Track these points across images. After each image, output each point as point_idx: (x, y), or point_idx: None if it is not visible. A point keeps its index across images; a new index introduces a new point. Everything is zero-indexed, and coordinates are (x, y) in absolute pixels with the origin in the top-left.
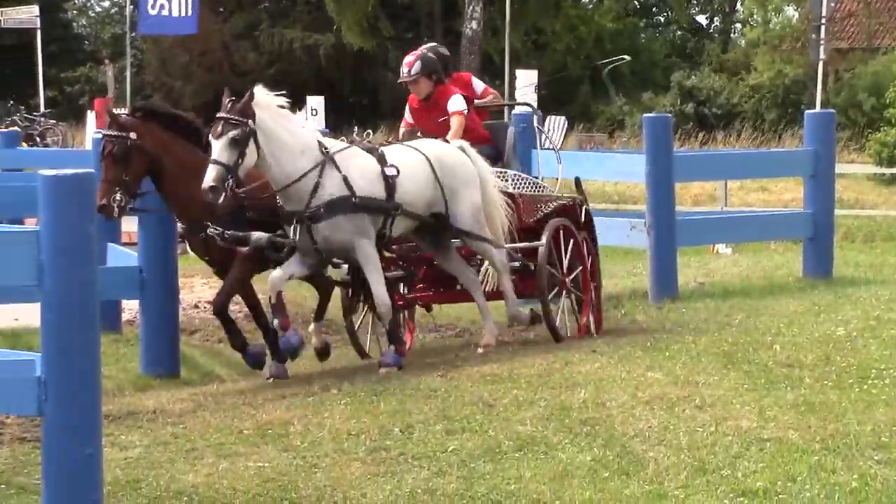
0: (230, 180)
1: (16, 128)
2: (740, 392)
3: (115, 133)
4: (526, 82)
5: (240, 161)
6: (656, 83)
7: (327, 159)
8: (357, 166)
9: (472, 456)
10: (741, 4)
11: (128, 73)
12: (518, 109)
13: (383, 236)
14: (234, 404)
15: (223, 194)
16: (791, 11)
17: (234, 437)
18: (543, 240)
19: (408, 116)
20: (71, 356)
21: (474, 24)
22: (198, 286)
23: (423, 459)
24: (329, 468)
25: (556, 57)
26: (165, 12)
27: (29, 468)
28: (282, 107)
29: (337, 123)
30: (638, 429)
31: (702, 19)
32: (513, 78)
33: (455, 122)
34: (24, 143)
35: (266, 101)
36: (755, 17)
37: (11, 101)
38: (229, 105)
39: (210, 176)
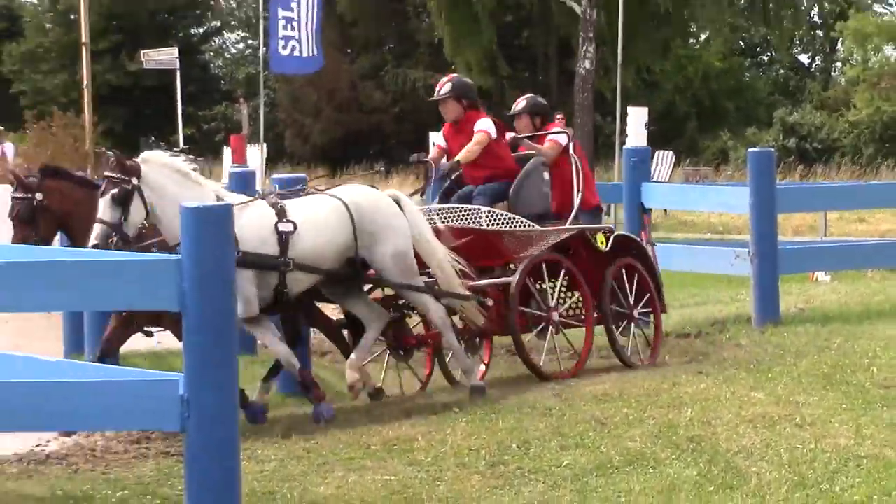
0: (115, 238)
1: None
2: (838, 411)
3: (21, 195)
4: (638, 119)
5: (124, 218)
6: (760, 119)
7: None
8: (251, 221)
9: (584, 470)
10: (841, 44)
11: (261, 111)
12: (629, 144)
13: (282, 293)
14: (362, 421)
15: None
16: (889, 51)
17: (363, 451)
18: (516, 276)
19: (440, 140)
20: (211, 376)
21: (587, 64)
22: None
23: (538, 474)
24: (451, 481)
25: (664, 95)
26: (297, 53)
27: (172, 480)
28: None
29: None
30: (741, 445)
31: (804, 58)
32: (624, 115)
33: (475, 139)
34: None
35: (157, 157)
36: (855, 56)
37: (153, 138)
38: (114, 163)
39: (94, 234)
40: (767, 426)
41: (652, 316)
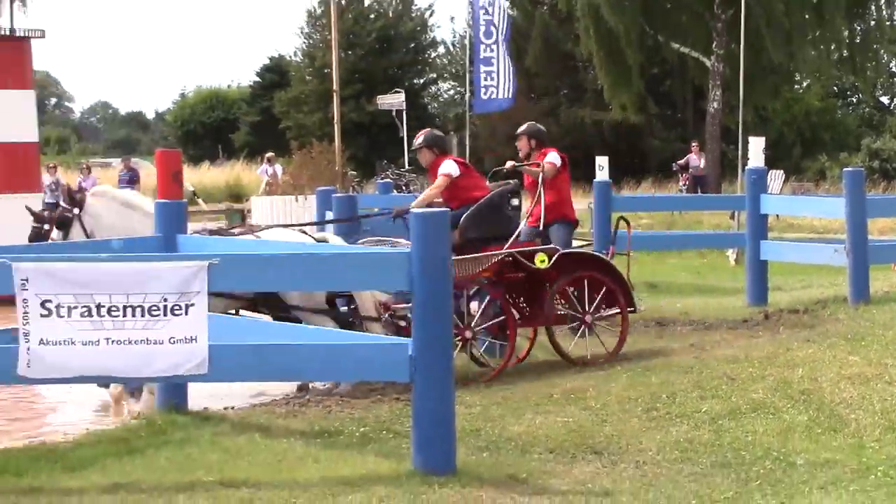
0: None
1: (388, 180)
2: None
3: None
4: (757, 146)
5: (64, 238)
6: (850, 146)
7: None
8: None
9: (719, 415)
10: None
11: (466, 141)
12: (750, 165)
13: None
14: (547, 376)
15: None
16: None
17: (547, 399)
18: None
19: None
20: (433, 340)
21: (715, 104)
22: None
23: (683, 418)
24: (615, 423)
25: (775, 127)
26: (493, 96)
27: (402, 419)
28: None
29: (616, 177)
30: (842, 397)
31: (884, 99)
32: (745, 143)
33: (435, 182)
34: (394, 190)
35: (108, 191)
36: None
37: (385, 161)
38: (65, 197)
39: None
40: (862, 382)
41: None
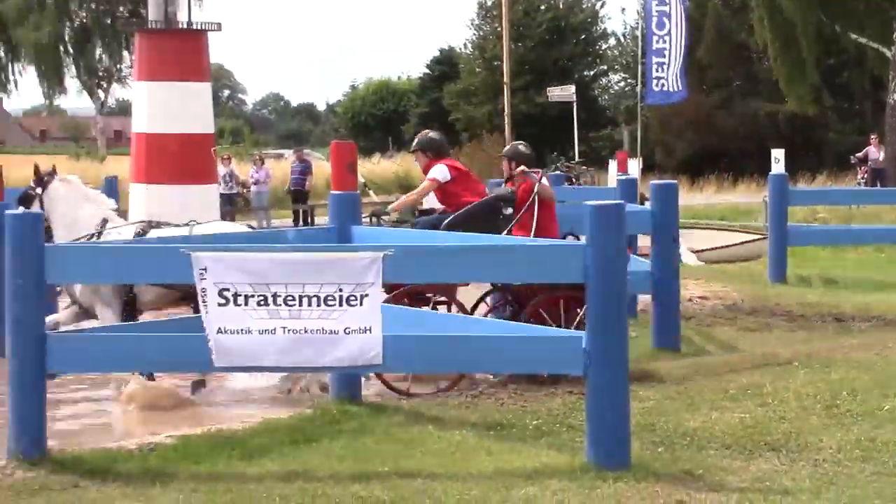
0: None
1: (559, 172)
2: None
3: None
4: None
5: None
6: None
7: (94, 233)
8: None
9: None
10: None
11: (638, 133)
12: None
13: (132, 300)
14: (722, 371)
15: None
16: None
17: (722, 394)
18: None
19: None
20: (607, 333)
21: (895, 96)
22: (691, 285)
23: (864, 416)
24: (793, 420)
25: None
26: (666, 88)
27: (575, 413)
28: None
29: (791, 170)
30: None
31: None
32: None
33: (420, 185)
34: (565, 183)
35: (74, 182)
36: None
37: (555, 153)
38: (35, 176)
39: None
40: None
41: None
